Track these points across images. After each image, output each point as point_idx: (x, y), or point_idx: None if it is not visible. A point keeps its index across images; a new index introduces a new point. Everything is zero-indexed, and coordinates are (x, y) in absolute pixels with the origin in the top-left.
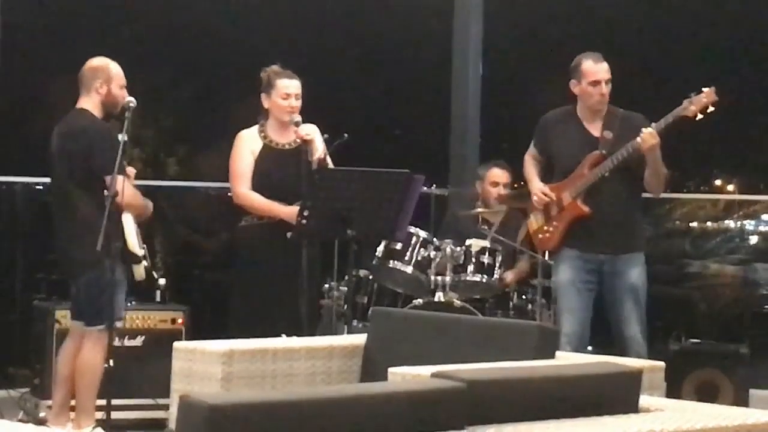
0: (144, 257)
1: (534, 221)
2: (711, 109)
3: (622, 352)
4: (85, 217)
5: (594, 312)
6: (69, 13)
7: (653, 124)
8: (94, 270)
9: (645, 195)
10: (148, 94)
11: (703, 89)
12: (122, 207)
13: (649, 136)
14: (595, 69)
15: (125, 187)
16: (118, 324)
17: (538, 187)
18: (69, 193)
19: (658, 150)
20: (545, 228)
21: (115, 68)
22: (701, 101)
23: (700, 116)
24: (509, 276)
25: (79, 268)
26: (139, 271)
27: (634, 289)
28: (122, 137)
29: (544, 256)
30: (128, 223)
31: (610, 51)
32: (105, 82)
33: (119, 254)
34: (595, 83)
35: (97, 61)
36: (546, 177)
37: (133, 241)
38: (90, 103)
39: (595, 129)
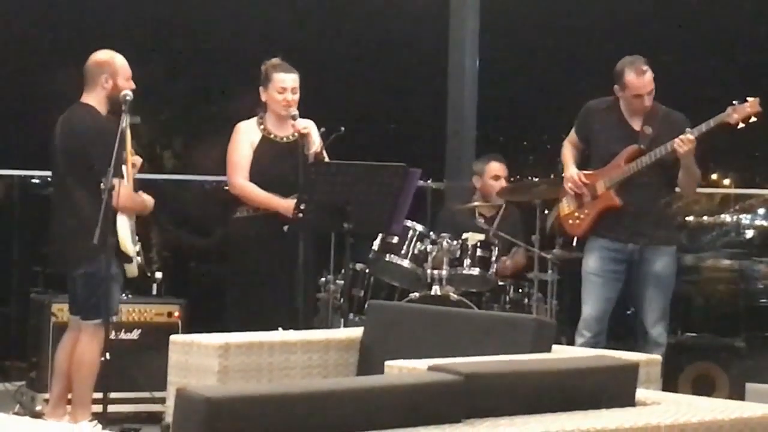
0: (138, 254)
1: (566, 206)
2: (753, 119)
3: (642, 345)
4: (83, 212)
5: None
6: (66, 5)
7: (693, 129)
8: (91, 264)
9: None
10: (143, 87)
11: (748, 98)
12: (117, 207)
13: (686, 141)
14: (637, 83)
15: (121, 189)
16: (113, 318)
17: (573, 172)
18: (68, 187)
19: (692, 154)
20: (576, 214)
21: (120, 61)
22: (745, 110)
23: (741, 125)
24: (507, 261)
25: (76, 262)
26: (131, 269)
27: (659, 278)
28: (126, 122)
29: (571, 243)
30: (121, 221)
31: (609, 43)
32: (111, 75)
33: (114, 249)
34: (638, 96)
35: (102, 55)
36: (582, 165)
37: (126, 240)
38: (94, 98)
39: (636, 123)
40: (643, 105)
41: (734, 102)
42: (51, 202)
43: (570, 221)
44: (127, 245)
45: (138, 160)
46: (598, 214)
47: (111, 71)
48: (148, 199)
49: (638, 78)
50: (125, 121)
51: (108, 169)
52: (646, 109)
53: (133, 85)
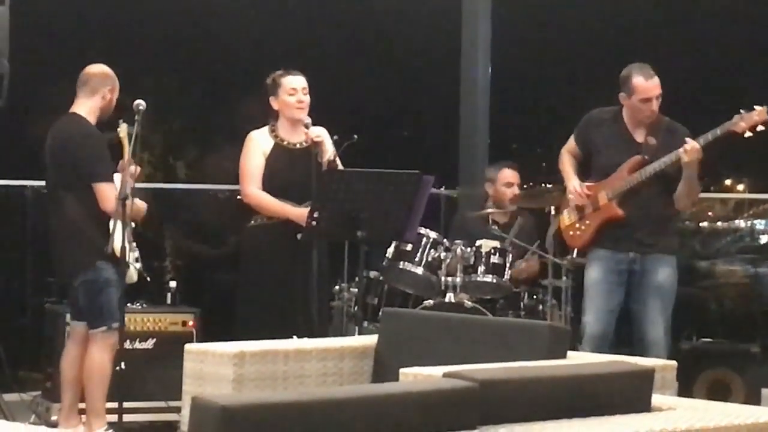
0: (137, 260)
1: (566, 218)
2: (761, 128)
3: (642, 354)
4: (76, 222)
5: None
6: (78, 16)
7: (699, 138)
8: (88, 272)
9: None
10: (156, 97)
11: (755, 107)
12: (105, 211)
13: (692, 149)
14: (646, 86)
15: (110, 194)
16: (115, 325)
17: (576, 184)
18: (60, 198)
19: (696, 165)
20: (577, 225)
21: (116, 78)
22: (752, 118)
23: (749, 134)
24: (523, 263)
25: (74, 271)
26: (130, 275)
27: (660, 289)
28: (133, 129)
29: (572, 253)
30: (115, 227)
31: (619, 51)
32: (112, 89)
33: (111, 256)
34: (646, 100)
35: (104, 68)
36: (580, 176)
37: (118, 245)
38: (87, 107)
39: (639, 134)
40: (650, 110)
41: (741, 111)
42: (48, 214)
43: (571, 233)
44: (118, 248)
45: (135, 170)
46: (599, 226)
47: (113, 84)
48: (140, 204)
49: (647, 81)
50: (136, 127)
51: (102, 175)
52: (653, 115)
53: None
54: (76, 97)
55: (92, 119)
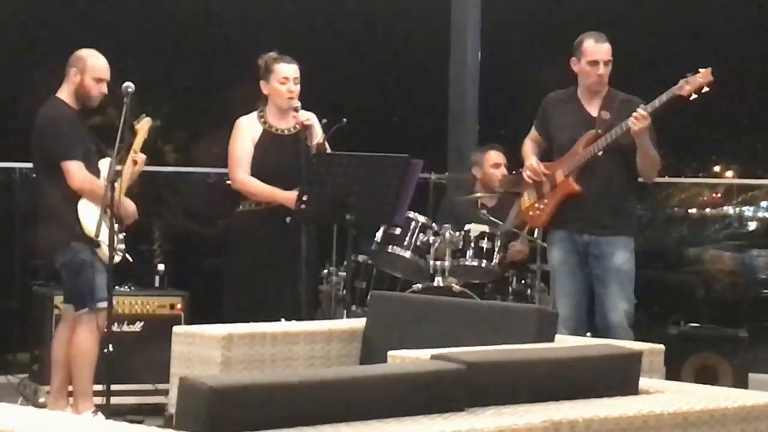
0: (121, 242)
1: (526, 198)
2: (706, 89)
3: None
4: (51, 204)
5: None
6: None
7: (647, 105)
8: (65, 254)
9: (641, 180)
10: (144, 81)
11: (700, 69)
12: (78, 193)
13: (640, 117)
14: (594, 48)
15: (79, 172)
16: (101, 305)
17: (532, 161)
18: (38, 180)
19: (647, 133)
20: (536, 205)
21: (93, 61)
22: (696, 81)
23: (694, 96)
24: (517, 246)
25: (52, 253)
26: (102, 253)
27: (618, 272)
28: (125, 113)
29: (532, 234)
30: (84, 206)
31: (613, 36)
32: (79, 71)
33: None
34: (594, 63)
35: (81, 51)
36: (545, 160)
37: (90, 226)
38: (65, 91)
39: (593, 109)
40: (597, 73)
41: (687, 75)
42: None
43: (531, 213)
44: (90, 229)
45: (141, 157)
46: (557, 204)
47: (81, 67)
48: (129, 206)
49: (596, 44)
50: (125, 111)
51: (68, 154)
52: (601, 81)
53: (103, 89)
54: None
55: (71, 102)
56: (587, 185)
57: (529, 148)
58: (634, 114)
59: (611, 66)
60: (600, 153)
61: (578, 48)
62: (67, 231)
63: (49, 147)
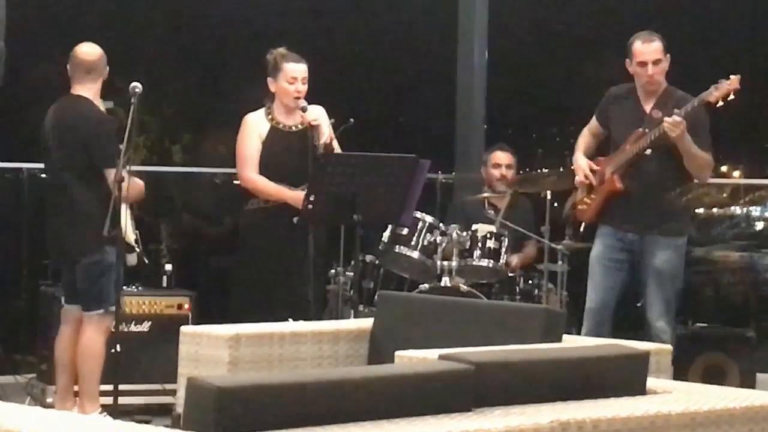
0: (136, 242)
1: (579, 194)
2: (731, 97)
3: (648, 338)
4: (83, 205)
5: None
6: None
7: (680, 110)
8: (95, 254)
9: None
10: (152, 80)
11: (731, 76)
12: (127, 198)
13: (671, 124)
14: (641, 50)
15: (131, 182)
16: (113, 308)
17: (580, 163)
18: (67, 182)
19: (685, 137)
20: (584, 200)
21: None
22: (724, 88)
23: (720, 103)
24: (514, 260)
25: (80, 252)
26: (131, 259)
27: (657, 273)
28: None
29: (578, 230)
30: (123, 213)
31: (618, 37)
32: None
33: (120, 241)
34: (642, 64)
35: (98, 48)
36: (604, 152)
37: (129, 231)
38: (91, 90)
39: (649, 107)
40: (646, 74)
41: (720, 80)
42: (47, 195)
43: (579, 206)
44: (129, 235)
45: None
46: (603, 200)
47: (105, 63)
48: (138, 182)
49: (644, 45)
50: (132, 110)
51: (118, 161)
52: (652, 81)
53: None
54: (74, 80)
55: (97, 102)
56: (633, 183)
57: (582, 141)
58: (666, 119)
59: (667, 63)
60: (647, 152)
61: (629, 49)
62: (101, 233)
63: (97, 151)
